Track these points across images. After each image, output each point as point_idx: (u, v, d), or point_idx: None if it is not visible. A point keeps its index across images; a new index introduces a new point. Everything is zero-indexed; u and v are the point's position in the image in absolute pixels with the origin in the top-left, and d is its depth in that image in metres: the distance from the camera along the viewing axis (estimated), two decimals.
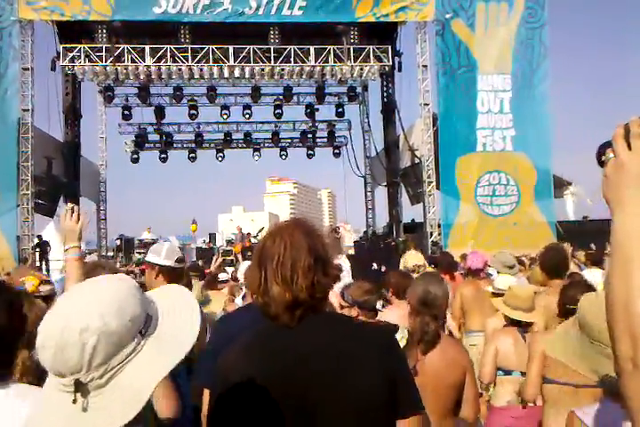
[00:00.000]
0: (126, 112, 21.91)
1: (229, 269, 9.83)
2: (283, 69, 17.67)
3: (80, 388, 0.95)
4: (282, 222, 1.63)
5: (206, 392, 2.29)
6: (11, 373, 1.45)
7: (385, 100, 21.24)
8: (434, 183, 17.02)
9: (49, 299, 2.57)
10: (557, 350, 1.78)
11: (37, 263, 15.93)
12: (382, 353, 1.47)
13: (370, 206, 24.57)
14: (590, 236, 14.51)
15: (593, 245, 10.76)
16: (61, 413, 0.96)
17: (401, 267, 5.28)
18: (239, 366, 1.46)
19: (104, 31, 16.16)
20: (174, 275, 3.14)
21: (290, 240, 1.51)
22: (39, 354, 0.97)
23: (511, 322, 3.72)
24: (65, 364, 0.94)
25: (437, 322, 2.73)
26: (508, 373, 3.56)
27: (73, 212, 2.74)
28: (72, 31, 17.06)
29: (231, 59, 17.11)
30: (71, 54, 16.75)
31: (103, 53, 16.56)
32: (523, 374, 3.45)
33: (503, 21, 16.97)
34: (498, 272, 5.99)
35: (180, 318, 1.08)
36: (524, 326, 3.65)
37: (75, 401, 0.95)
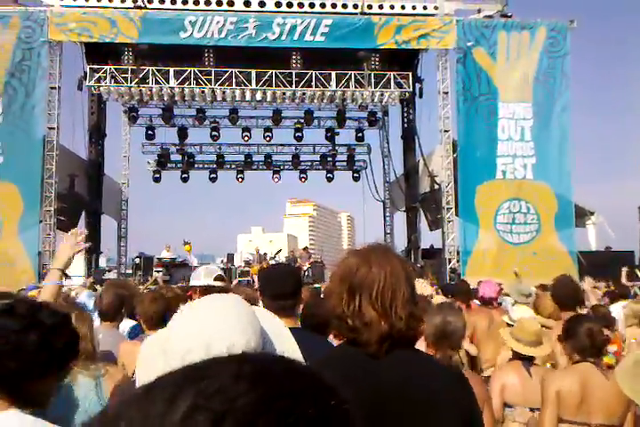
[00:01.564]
0: (150, 132, 22.33)
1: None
2: (304, 93, 17.88)
3: None
4: (369, 248, 1.60)
5: None
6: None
7: (405, 125, 21.32)
8: (453, 209, 16.90)
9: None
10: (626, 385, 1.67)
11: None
12: (462, 394, 1.47)
13: (388, 231, 24.45)
14: (612, 267, 14.25)
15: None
16: None
17: None
18: None
19: (130, 53, 16.55)
20: (214, 292, 3.14)
21: (390, 268, 1.49)
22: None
23: (517, 355, 3.62)
24: None
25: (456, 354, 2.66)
26: (510, 407, 3.44)
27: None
28: (99, 52, 17.52)
29: (253, 82, 17.37)
30: (97, 75, 17.16)
31: (129, 75, 16.94)
32: (531, 410, 3.35)
33: (525, 50, 16.99)
34: (515, 302, 5.86)
35: (283, 340, 1.07)
36: (528, 360, 3.54)
37: None
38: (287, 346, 1.06)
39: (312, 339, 2.61)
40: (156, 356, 0.99)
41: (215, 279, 3.30)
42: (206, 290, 3.25)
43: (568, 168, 17.11)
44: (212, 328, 0.95)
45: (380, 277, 1.48)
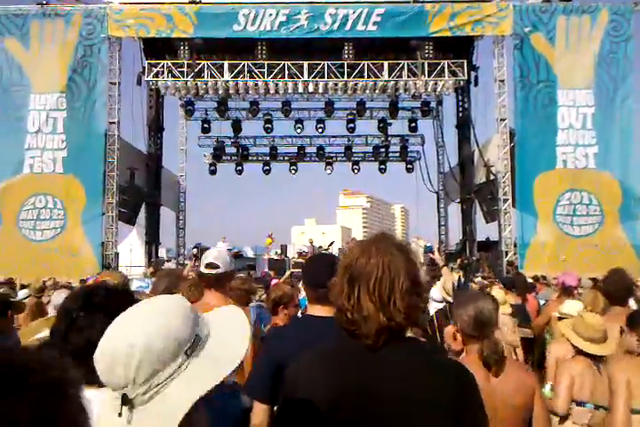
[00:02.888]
0: (205, 125, 22.76)
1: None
2: (356, 84, 17.78)
3: (126, 402, 0.99)
4: (372, 238, 1.58)
5: (258, 405, 2.29)
6: None
7: (460, 114, 20.90)
8: (510, 201, 16.49)
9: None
10: None
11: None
12: (460, 391, 1.43)
13: (443, 223, 24.10)
14: None
15: None
16: (115, 422, 1.01)
17: (440, 291, 4.96)
18: (313, 375, 1.45)
19: (186, 47, 16.89)
20: (206, 280, 3.26)
21: (388, 259, 1.47)
22: (96, 367, 1.02)
23: (580, 352, 3.47)
24: (113, 379, 1.00)
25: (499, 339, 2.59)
26: (580, 404, 3.30)
27: None
28: (156, 48, 17.96)
29: (305, 74, 17.40)
30: (155, 70, 17.62)
31: (185, 69, 17.31)
32: (596, 407, 3.24)
33: (585, 35, 16.33)
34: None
35: (230, 341, 1.09)
36: (594, 357, 3.37)
37: (120, 414, 0.99)
38: (229, 344, 1.07)
39: None
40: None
41: (206, 267, 3.25)
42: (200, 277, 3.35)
43: (633, 157, 16.36)
44: (123, 329, 1.02)
45: (378, 268, 1.44)
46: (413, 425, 1.38)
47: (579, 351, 3.45)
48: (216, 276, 3.27)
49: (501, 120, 16.76)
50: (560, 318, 4.24)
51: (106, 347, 1.01)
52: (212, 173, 24.83)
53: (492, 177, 17.34)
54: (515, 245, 16.33)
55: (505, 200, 16.55)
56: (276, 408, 2.29)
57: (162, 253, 23.22)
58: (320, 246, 20.96)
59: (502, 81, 16.77)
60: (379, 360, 1.42)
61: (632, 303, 4.75)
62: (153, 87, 19.11)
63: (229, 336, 1.09)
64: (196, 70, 17.28)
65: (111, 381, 1.00)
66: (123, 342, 0.99)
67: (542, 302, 6.92)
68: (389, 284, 1.43)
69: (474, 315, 2.54)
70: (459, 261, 18.32)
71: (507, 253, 16.36)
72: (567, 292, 5.60)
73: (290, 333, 2.43)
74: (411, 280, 1.45)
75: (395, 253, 1.48)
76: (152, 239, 21.16)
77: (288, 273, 8.95)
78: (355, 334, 1.44)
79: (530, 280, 8.94)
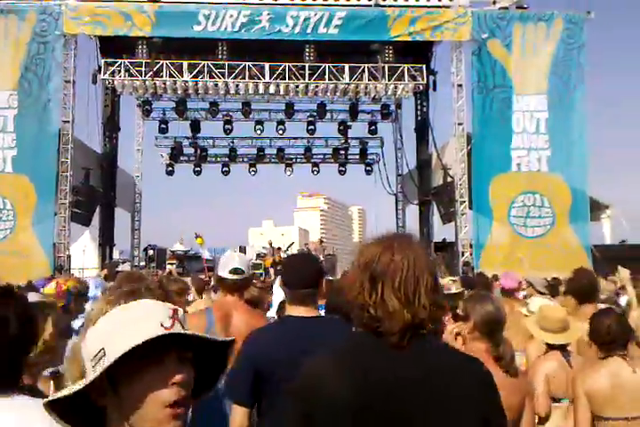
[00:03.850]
0: (163, 126, 22.41)
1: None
2: (317, 86, 17.83)
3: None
4: (390, 236, 1.57)
5: (238, 408, 2.26)
6: (16, 384, 1.46)
7: (418, 118, 21.23)
8: (466, 203, 16.84)
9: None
10: None
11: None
12: (484, 392, 1.44)
13: (400, 224, 24.40)
14: (628, 260, 14.15)
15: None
16: None
17: None
18: (336, 373, 1.42)
19: (144, 46, 16.60)
20: (227, 286, 3.17)
21: (413, 257, 1.47)
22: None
23: (551, 346, 3.54)
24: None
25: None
26: (556, 400, 3.38)
27: None
28: (113, 46, 17.59)
29: (267, 75, 17.35)
30: (112, 68, 17.23)
31: (143, 68, 16.99)
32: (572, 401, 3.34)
33: (541, 42, 16.84)
34: (529, 294, 5.85)
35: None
36: (564, 350, 3.46)
37: None
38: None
39: (332, 325, 2.62)
40: None
41: (231, 272, 3.16)
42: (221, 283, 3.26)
43: (583, 161, 16.98)
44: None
45: (404, 265, 1.45)
46: (443, 423, 1.38)
47: (549, 346, 3.55)
48: (241, 281, 3.19)
49: (459, 124, 17.10)
50: (527, 316, 4.36)
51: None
52: (170, 173, 24.46)
53: (449, 179, 17.68)
54: (470, 246, 16.68)
55: (461, 202, 16.89)
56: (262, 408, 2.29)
57: (115, 254, 22.72)
58: (279, 248, 20.91)
59: (460, 85, 17.12)
60: (404, 358, 1.42)
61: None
62: (109, 86, 18.69)
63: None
64: (155, 70, 16.98)
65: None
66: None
67: None
68: (414, 281, 1.44)
69: (486, 315, 2.57)
70: None
71: (463, 254, 16.69)
72: (508, 294, 5.70)
73: (269, 334, 2.42)
74: (434, 278, 1.47)
75: (418, 250, 1.50)
76: (106, 241, 20.69)
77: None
78: (378, 332, 1.43)
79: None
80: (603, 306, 4.35)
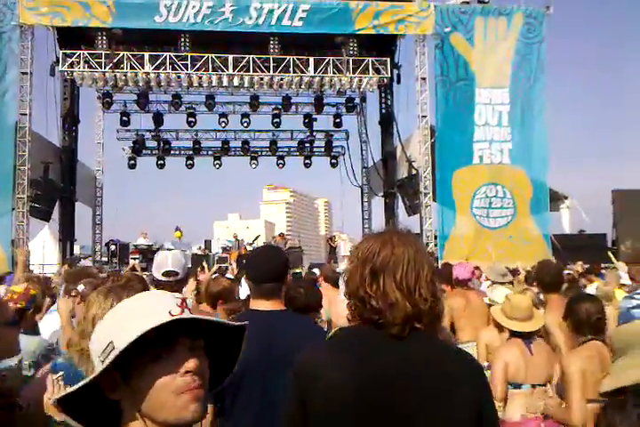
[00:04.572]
0: (124, 118, 21.99)
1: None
2: (282, 79, 17.73)
3: None
4: (387, 231, 1.62)
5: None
6: None
7: (383, 111, 21.36)
8: (430, 195, 17.05)
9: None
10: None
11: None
12: (477, 384, 1.48)
13: (366, 216, 24.57)
14: (586, 249, 14.59)
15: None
16: None
17: None
18: (336, 363, 1.44)
19: (104, 38, 16.20)
20: (162, 289, 3.11)
21: (413, 250, 1.51)
22: None
23: (513, 334, 3.62)
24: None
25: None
26: (517, 386, 3.46)
27: None
28: (72, 37, 17.12)
29: (230, 67, 17.17)
30: (70, 60, 16.78)
31: (102, 60, 16.59)
32: (533, 386, 3.41)
33: (502, 36, 17.09)
34: (492, 283, 5.96)
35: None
36: (527, 337, 3.54)
37: None
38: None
39: (299, 319, 2.65)
40: None
41: (164, 275, 3.14)
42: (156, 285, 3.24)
43: (544, 153, 17.37)
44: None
45: (405, 258, 1.49)
46: (439, 411, 1.42)
47: (511, 334, 3.63)
48: (175, 283, 3.17)
49: (422, 117, 17.27)
50: (489, 306, 4.47)
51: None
52: (132, 167, 24.04)
53: (413, 172, 17.86)
54: (435, 237, 16.92)
55: (426, 194, 17.10)
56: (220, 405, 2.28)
57: (76, 250, 22.26)
58: (243, 239, 20.85)
59: (424, 79, 17.26)
60: (401, 348, 1.45)
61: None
62: (68, 78, 18.20)
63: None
64: (115, 61, 16.61)
65: None
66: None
67: None
68: (415, 274, 1.48)
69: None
70: None
71: (427, 245, 16.92)
72: (460, 284, 5.82)
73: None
74: (432, 271, 1.52)
75: (416, 245, 1.54)
76: (66, 236, 20.23)
77: (214, 268, 8.83)
78: (378, 324, 1.47)
79: None
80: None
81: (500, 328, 3.74)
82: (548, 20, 17.51)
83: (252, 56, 17.11)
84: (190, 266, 18.17)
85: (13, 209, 15.57)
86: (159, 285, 3.17)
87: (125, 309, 1.09)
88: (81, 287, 3.90)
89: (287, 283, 2.56)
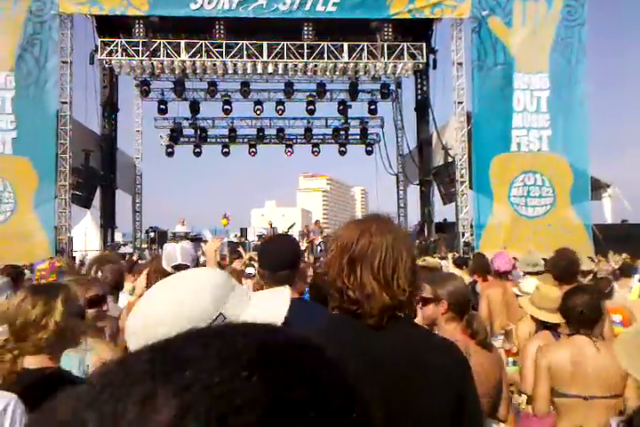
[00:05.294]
0: (162, 106, 22.27)
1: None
2: (316, 66, 17.64)
3: None
4: (368, 218, 1.57)
5: None
6: None
7: (418, 97, 21.05)
8: (467, 183, 16.78)
9: None
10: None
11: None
12: (457, 370, 1.46)
13: (402, 205, 24.39)
14: (628, 240, 14.15)
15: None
16: None
17: None
18: None
19: (141, 26, 16.40)
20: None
21: (392, 238, 1.46)
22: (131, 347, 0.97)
23: (543, 325, 3.57)
24: None
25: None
26: None
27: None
28: (110, 25, 17.40)
29: (265, 54, 17.17)
30: (109, 48, 17.07)
31: (140, 48, 16.82)
32: None
33: (541, 19, 16.58)
34: (523, 274, 5.84)
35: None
36: (555, 330, 3.47)
37: None
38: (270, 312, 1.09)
39: (311, 308, 2.63)
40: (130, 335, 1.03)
41: (175, 268, 3.14)
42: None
43: (584, 140, 16.85)
44: (150, 308, 1.01)
45: (382, 247, 1.44)
46: (419, 402, 1.40)
47: (540, 325, 3.57)
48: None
49: (459, 103, 16.95)
50: (518, 296, 4.37)
51: (134, 327, 1.01)
52: (170, 154, 24.40)
53: (449, 159, 17.59)
54: (471, 226, 16.68)
55: (462, 182, 16.83)
56: None
57: (118, 236, 22.78)
58: (276, 227, 21.01)
59: (460, 64, 16.91)
60: (381, 338, 1.43)
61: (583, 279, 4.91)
62: (106, 66, 18.52)
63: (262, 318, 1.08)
64: (152, 49, 16.81)
65: None
66: (150, 320, 0.98)
67: None
68: (393, 263, 1.44)
69: (455, 294, 2.61)
70: (417, 242, 18.64)
71: (463, 234, 16.69)
72: (501, 276, 5.68)
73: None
74: (412, 260, 1.48)
75: (396, 233, 1.49)
76: (107, 223, 20.72)
77: (247, 256, 8.89)
78: (356, 314, 1.44)
79: None
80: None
81: (534, 320, 3.66)
82: (591, 2, 16.91)
83: (286, 43, 17.06)
84: (226, 253, 18.51)
85: (56, 197, 15.98)
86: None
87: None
88: (99, 274, 3.96)
89: (300, 271, 2.54)
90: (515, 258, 7.85)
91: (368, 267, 1.43)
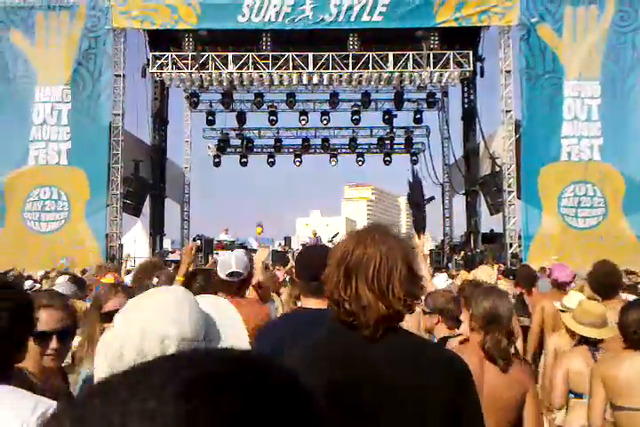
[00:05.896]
0: (210, 117, 22.74)
1: None
2: (361, 76, 17.69)
3: None
4: (366, 228, 1.57)
5: None
6: (8, 377, 1.47)
7: (465, 106, 20.81)
8: (514, 193, 16.43)
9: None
10: None
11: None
12: (455, 385, 1.43)
13: (447, 215, 24.06)
14: None
15: None
16: None
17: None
18: (309, 368, 1.42)
19: (190, 39, 16.83)
20: (226, 287, 3.27)
21: (386, 248, 1.46)
22: (118, 363, 0.96)
23: (581, 340, 3.47)
24: None
25: (507, 339, 2.59)
26: (579, 396, 3.29)
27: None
28: (161, 39, 17.93)
29: (310, 65, 17.33)
30: (160, 62, 17.58)
31: (189, 61, 17.25)
32: None
33: (593, 25, 16.17)
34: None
35: (229, 328, 1.11)
36: (594, 345, 3.37)
37: None
38: (232, 333, 1.08)
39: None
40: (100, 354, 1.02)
41: (229, 275, 3.26)
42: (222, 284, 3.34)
43: (638, 149, 16.26)
44: (149, 319, 0.99)
45: (376, 257, 1.44)
46: (412, 414, 1.38)
47: (579, 340, 3.47)
48: (237, 282, 3.32)
49: (507, 111, 16.67)
50: (562, 311, 4.23)
51: (133, 339, 0.98)
52: (217, 164, 24.85)
53: (496, 169, 17.28)
54: (519, 238, 16.30)
55: (509, 192, 16.50)
56: None
57: (166, 244, 23.28)
58: (320, 237, 21.03)
59: (508, 72, 16.65)
60: (377, 350, 1.42)
61: (625, 296, 4.70)
62: (157, 79, 19.08)
63: (227, 327, 1.10)
64: (201, 62, 17.23)
65: None
66: (152, 335, 0.97)
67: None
68: (387, 273, 1.43)
69: (488, 309, 2.56)
70: (462, 253, 18.34)
71: (511, 246, 16.33)
72: (561, 287, 5.49)
73: (281, 326, 2.41)
74: (408, 268, 1.45)
75: (391, 242, 1.48)
76: (156, 231, 21.23)
77: (290, 265, 8.94)
78: (353, 325, 1.43)
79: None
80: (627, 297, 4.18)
81: (572, 335, 3.56)
82: None
83: (331, 53, 17.19)
84: (270, 262, 18.66)
85: (108, 205, 16.48)
86: (224, 283, 3.30)
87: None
88: (155, 280, 4.04)
89: None
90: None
91: (363, 278, 1.43)
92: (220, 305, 1.18)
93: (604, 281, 4.15)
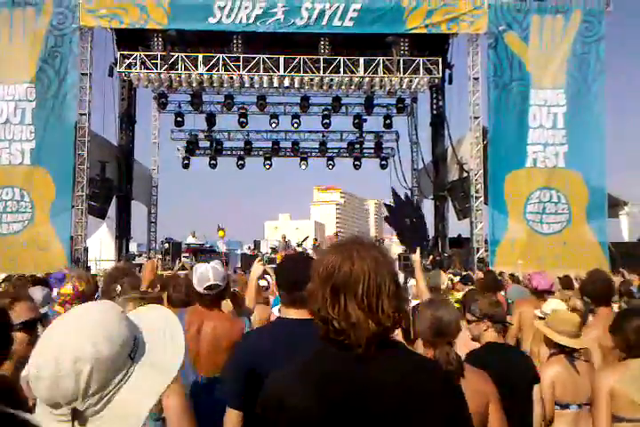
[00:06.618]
0: (179, 119, 22.49)
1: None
2: (332, 80, 17.74)
3: (78, 416, 0.95)
4: (348, 242, 1.51)
5: (230, 411, 2.22)
6: None
7: (434, 112, 21.06)
8: (482, 198, 16.68)
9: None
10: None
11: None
12: (450, 403, 1.41)
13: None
14: None
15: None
16: None
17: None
18: (299, 390, 1.38)
19: (159, 39, 16.64)
20: (203, 300, 3.23)
21: (374, 264, 1.42)
22: (33, 385, 0.95)
23: (560, 349, 3.41)
24: (61, 394, 0.94)
25: (454, 349, 2.53)
26: (564, 406, 3.26)
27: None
28: (129, 39, 17.65)
29: (281, 68, 17.31)
30: (128, 61, 17.31)
31: (158, 61, 17.04)
32: (579, 406, 3.22)
33: (558, 35, 16.56)
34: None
35: (167, 341, 1.08)
36: (570, 354, 3.35)
37: None
38: (167, 345, 1.07)
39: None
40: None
41: (207, 289, 3.21)
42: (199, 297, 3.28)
43: (601, 156, 16.70)
44: (64, 339, 0.97)
45: (365, 275, 1.40)
46: None
47: (555, 349, 3.43)
48: (215, 294, 3.26)
49: (475, 118, 16.92)
50: (540, 318, 4.24)
51: (47, 360, 0.95)
52: (185, 166, 24.61)
53: (464, 174, 17.51)
54: (486, 242, 16.53)
55: (477, 197, 16.73)
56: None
57: (132, 247, 22.88)
58: (289, 240, 20.97)
59: (476, 79, 16.91)
60: (369, 369, 1.38)
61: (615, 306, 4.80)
62: (125, 79, 18.78)
63: (164, 335, 1.09)
64: (170, 62, 17.03)
65: (56, 397, 0.94)
66: (68, 353, 0.95)
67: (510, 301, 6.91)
68: (377, 290, 1.39)
69: (431, 323, 2.50)
70: (431, 257, 18.50)
71: (478, 250, 16.55)
72: (540, 296, 5.54)
73: (261, 335, 2.38)
74: (395, 283, 1.43)
75: (377, 257, 1.44)
76: (122, 233, 20.83)
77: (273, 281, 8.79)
78: (343, 345, 1.40)
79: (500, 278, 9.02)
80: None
81: (549, 344, 3.55)
82: (609, 18, 16.84)
83: (302, 57, 17.19)
84: (239, 265, 18.50)
85: (73, 207, 16.12)
86: (200, 297, 3.25)
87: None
88: (119, 288, 3.93)
89: None
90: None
91: (352, 296, 1.39)
92: (168, 317, 1.15)
93: (601, 290, 4.21)
